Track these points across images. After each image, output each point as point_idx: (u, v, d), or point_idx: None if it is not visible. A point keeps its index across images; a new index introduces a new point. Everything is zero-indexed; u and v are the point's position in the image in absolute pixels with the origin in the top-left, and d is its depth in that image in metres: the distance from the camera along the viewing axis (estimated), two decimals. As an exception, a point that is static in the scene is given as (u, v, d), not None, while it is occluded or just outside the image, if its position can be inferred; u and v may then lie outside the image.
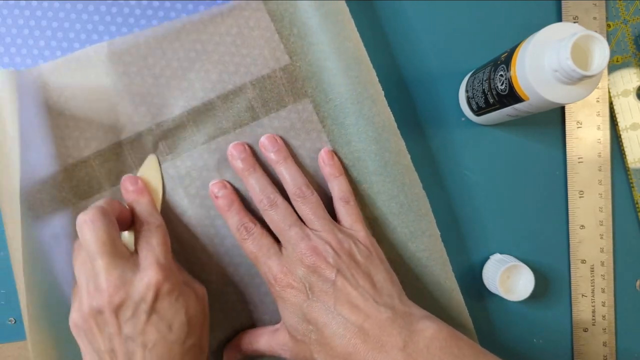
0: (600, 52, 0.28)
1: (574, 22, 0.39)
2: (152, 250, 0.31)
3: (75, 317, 0.30)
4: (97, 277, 0.29)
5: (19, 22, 0.36)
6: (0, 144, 0.32)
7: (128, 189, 0.35)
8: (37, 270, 0.33)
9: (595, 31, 0.33)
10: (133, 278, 0.30)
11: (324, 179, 0.37)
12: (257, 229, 0.34)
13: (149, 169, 0.36)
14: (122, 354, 0.29)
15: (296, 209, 0.35)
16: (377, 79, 0.36)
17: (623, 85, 0.40)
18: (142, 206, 0.34)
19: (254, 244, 0.34)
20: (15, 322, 0.38)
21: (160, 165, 0.36)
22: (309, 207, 0.34)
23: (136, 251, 0.32)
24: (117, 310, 0.29)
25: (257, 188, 0.35)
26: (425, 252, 0.37)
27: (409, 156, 0.36)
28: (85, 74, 0.35)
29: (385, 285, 0.32)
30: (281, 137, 0.37)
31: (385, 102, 0.36)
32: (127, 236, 0.34)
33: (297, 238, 0.33)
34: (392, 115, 0.36)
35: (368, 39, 0.36)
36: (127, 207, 0.34)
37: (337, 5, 0.35)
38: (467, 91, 0.38)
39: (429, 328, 0.30)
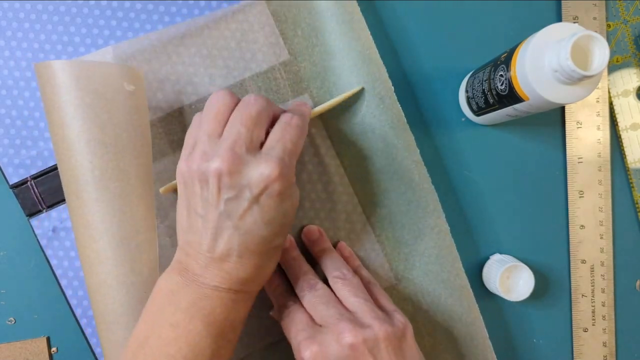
0: (600, 52, 0.28)
1: (574, 22, 0.39)
2: (283, 143, 0.29)
3: (183, 167, 0.30)
4: (222, 142, 0.28)
5: (25, 26, 0.36)
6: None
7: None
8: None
9: (595, 31, 0.33)
10: (251, 160, 0.28)
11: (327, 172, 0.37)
12: (296, 306, 0.33)
13: (331, 103, 0.36)
14: (213, 225, 0.29)
15: (335, 291, 0.33)
16: (387, 76, 0.36)
17: (623, 85, 0.40)
18: (299, 109, 0.33)
19: (289, 318, 0.32)
20: (14, 322, 0.38)
21: (338, 103, 0.36)
22: (349, 288, 0.33)
23: (267, 136, 0.30)
24: (222, 183, 0.28)
25: (298, 273, 0.34)
26: (434, 249, 0.37)
27: (418, 151, 0.37)
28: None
29: None
30: (322, 229, 0.37)
31: (395, 98, 0.36)
32: None
33: (336, 316, 0.31)
34: (401, 111, 0.36)
35: (368, 39, 0.36)
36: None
37: (345, 6, 0.35)
38: (467, 91, 0.38)
39: None
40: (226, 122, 0.30)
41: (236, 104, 0.30)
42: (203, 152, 0.29)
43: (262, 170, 0.28)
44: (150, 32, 0.37)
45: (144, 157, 0.33)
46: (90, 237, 0.32)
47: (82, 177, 0.31)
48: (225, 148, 0.28)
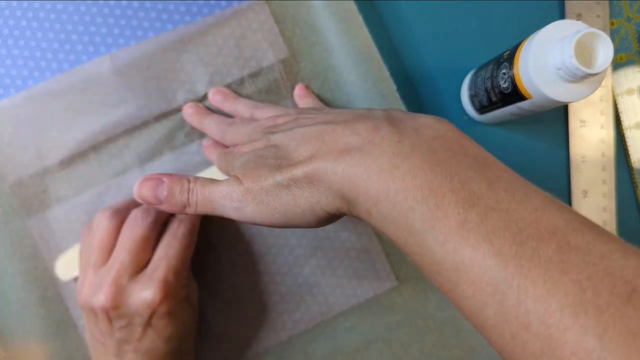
0: (604, 50, 0.27)
1: (577, 20, 0.39)
2: (167, 261, 0.30)
3: (78, 295, 0.30)
4: (106, 274, 0.29)
5: (22, 24, 0.36)
6: None
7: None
8: None
9: (599, 29, 0.32)
10: (134, 288, 0.29)
11: None
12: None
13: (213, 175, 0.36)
14: (114, 351, 0.30)
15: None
16: (388, 74, 0.36)
17: (627, 83, 0.40)
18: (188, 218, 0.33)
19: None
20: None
21: None
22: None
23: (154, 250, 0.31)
24: (110, 315, 0.29)
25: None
26: None
27: None
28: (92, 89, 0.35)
29: None
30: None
31: (397, 97, 0.36)
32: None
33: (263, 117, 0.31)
34: (404, 109, 0.36)
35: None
36: None
37: (343, 4, 0.35)
38: (469, 89, 0.38)
39: None
40: (112, 249, 0.30)
41: (122, 223, 0.30)
42: (90, 284, 0.29)
43: (145, 296, 0.28)
44: (148, 31, 0.36)
45: None
46: None
47: None
48: (108, 282, 0.28)
